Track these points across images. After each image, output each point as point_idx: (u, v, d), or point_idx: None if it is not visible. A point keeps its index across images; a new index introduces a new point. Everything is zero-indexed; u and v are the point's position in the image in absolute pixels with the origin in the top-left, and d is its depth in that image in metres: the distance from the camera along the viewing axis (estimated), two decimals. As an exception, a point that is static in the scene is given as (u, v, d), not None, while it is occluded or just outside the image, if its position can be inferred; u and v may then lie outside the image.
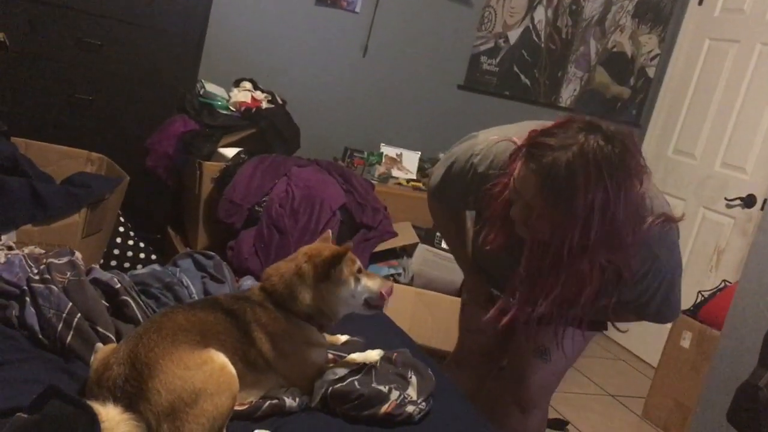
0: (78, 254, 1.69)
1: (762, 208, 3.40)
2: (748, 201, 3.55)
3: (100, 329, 1.50)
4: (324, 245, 1.56)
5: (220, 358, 1.31)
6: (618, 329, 1.73)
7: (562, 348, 1.69)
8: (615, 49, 4.19)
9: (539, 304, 1.46)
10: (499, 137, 1.64)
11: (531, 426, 1.92)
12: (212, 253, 1.97)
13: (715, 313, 3.11)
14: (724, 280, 3.36)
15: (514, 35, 3.96)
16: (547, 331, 1.68)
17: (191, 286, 1.75)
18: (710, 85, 3.92)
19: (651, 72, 4.29)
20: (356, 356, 1.62)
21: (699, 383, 2.99)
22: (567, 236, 1.36)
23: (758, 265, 2.71)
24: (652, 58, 4.27)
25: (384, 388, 1.51)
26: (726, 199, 3.65)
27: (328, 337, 1.64)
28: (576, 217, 1.34)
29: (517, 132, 1.57)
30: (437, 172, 1.82)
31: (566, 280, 1.43)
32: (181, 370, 1.25)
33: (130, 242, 2.82)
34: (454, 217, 1.90)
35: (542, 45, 4.03)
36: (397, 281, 2.86)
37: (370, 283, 1.53)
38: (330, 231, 1.68)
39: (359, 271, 1.52)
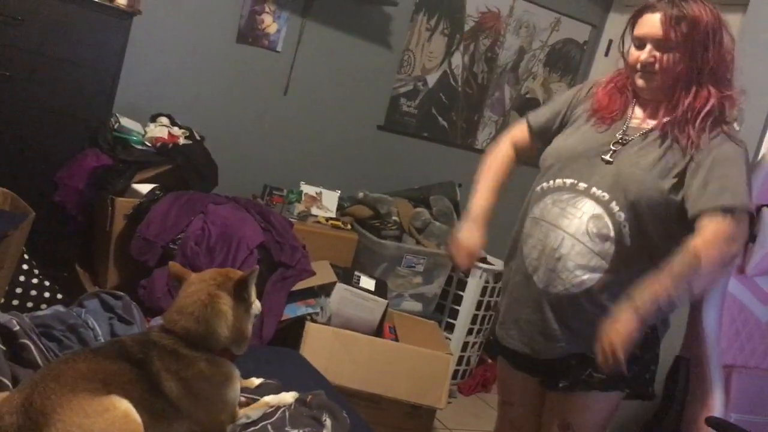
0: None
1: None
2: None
3: (-4, 375, 1.42)
4: (222, 271, 1.53)
5: (123, 405, 1.25)
6: None
7: (585, 418, 1.83)
8: (528, 95, 4.36)
9: (662, 118, 1.75)
10: None
11: None
12: (121, 293, 1.90)
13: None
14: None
15: (432, 79, 4.07)
16: (569, 405, 1.82)
17: (97, 328, 1.69)
18: (616, 132, 4.12)
19: (562, 118, 4.48)
20: (270, 399, 1.59)
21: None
22: (695, 58, 1.69)
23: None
24: (563, 105, 4.46)
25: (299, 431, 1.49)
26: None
27: (243, 381, 1.61)
28: (698, 38, 1.69)
29: None
30: None
31: (693, 93, 1.72)
32: (80, 418, 1.19)
33: (35, 280, 2.70)
34: (508, 162, 2.05)
35: (459, 89, 4.15)
36: (314, 320, 2.84)
37: (257, 303, 1.56)
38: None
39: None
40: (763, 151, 2.62)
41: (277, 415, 1.54)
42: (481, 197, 1.97)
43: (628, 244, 1.71)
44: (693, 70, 1.71)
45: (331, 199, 3.64)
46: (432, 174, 4.01)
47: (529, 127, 2.01)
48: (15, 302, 2.62)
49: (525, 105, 4.34)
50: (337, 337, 2.80)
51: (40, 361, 1.51)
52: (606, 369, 1.60)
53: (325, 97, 3.81)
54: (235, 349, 1.48)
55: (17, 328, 1.54)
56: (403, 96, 4.02)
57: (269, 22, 3.56)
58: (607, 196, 1.73)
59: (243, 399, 1.58)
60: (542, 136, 1.98)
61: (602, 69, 4.34)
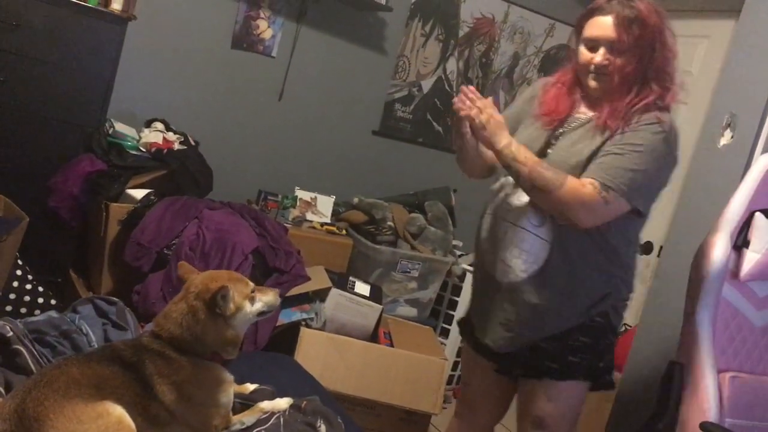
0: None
1: (658, 255, 3.58)
2: (646, 248, 3.73)
3: (-12, 381, 1.42)
4: (215, 274, 1.52)
5: (117, 410, 1.24)
6: None
7: (551, 409, 1.90)
8: (523, 101, 4.37)
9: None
10: None
11: None
12: (115, 299, 1.89)
13: (616, 356, 3.23)
14: (624, 324, 3.50)
15: (427, 84, 4.08)
16: (533, 398, 1.91)
17: (91, 334, 1.68)
18: (611, 138, 4.13)
19: (556, 123, 4.49)
20: (264, 405, 1.59)
21: (602, 424, 3.08)
22: (643, 59, 1.75)
23: (655, 310, 2.85)
24: (558, 111, 4.48)
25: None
26: (626, 245, 3.82)
27: (237, 387, 1.60)
28: (647, 39, 1.74)
29: None
30: None
31: (637, 90, 1.79)
32: (73, 424, 1.18)
33: (28, 286, 2.69)
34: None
35: (454, 95, 4.15)
36: (309, 326, 2.84)
37: (266, 299, 1.53)
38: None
39: (253, 291, 1.50)
40: (756, 156, 2.63)
41: (271, 421, 1.53)
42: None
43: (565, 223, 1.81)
44: (640, 70, 1.78)
45: (325, 205, 3.63)
46: (427, 179, 4.02)
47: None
48: (8, 308, 2.61)
49: (519, 110, 4.35)
50: (332, 343, 2.79)
51: (33, 367, 1.50)
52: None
53: (320, 103, 3.82)
54: (224, 354, 1.47)
55: (10, 334, 1.53)
56: (398, 101, 4.02)
57: (264, 28, 3.57)
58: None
59: (237, 404, 1.58)
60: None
61: (596, 75, 4.36)
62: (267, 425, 1.52)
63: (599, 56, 1.79)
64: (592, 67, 1.80)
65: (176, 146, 3.11)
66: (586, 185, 1.73)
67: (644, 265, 3.74)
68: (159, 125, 3.19)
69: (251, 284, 1.51)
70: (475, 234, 2.01)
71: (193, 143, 3.22)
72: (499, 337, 1.90)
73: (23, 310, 2.65)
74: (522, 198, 1.84)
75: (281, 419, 1.54)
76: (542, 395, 1.90)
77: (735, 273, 2.12)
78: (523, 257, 1.82)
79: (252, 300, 1.50)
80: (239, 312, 1.46)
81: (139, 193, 2.85)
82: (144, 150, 3.05)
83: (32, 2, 2.83)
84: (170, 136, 3.15)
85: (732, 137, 2.71)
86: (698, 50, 3.72)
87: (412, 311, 3.60)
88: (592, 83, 1.83)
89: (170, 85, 3.45)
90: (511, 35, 4.22)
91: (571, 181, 1.73)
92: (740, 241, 2.07)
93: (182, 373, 1.39)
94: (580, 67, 1.85)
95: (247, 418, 1.53)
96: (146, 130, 3.15)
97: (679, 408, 2.11)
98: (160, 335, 1.42)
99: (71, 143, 3.01)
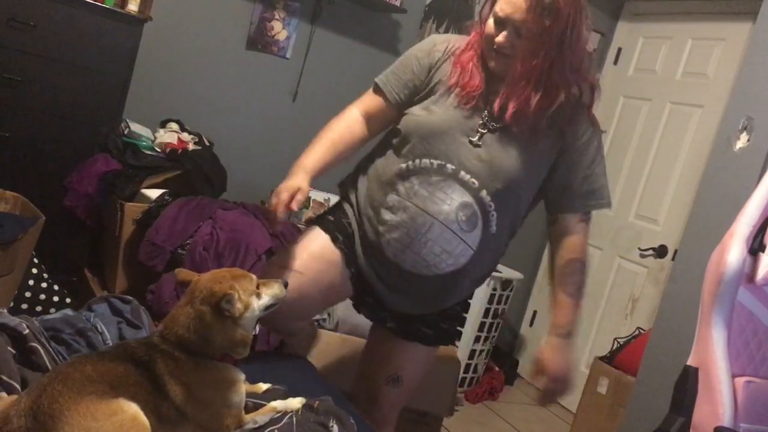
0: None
1: (673, 258, 3.56)
2: (660, 251, 3.72)
3: (5, 378, 1.42)
4: (218, 275, 1.47)
5: (132, 408, 1.24)
6: None
7: (412, 371, 1.93)
8: (537, 103, 4.35)
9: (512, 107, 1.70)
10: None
11: None
12: (130, 298, 1.90)
13: (630, 359, 3.22)
14: (638, 328, 3.48)
15: (441, 86, 4.07)
16: (398, 358, 1.92)
17: (106, 332, 1.69)
18: (624, 140, 4.12)
19: (570, 126, 4.47)
20: (277, 404, 1.59)
21: (616, 429, 3.07)
22: (551, 47, 1.65)
23: (670, 314, 2.83)
24: (572, 113, 4.46)
25: (305, 435, 1.49)
26: (639, 249, 3.81)
27: (249, 387, 1.60)
28: (557, 31, 1.64)
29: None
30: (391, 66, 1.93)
31: (544, 89, 1.70)
32: (87, 421, 1.18)
33: (44, 285, 2.71)
34: (355, 130, 1.94)
35: (468, 96, 4.15)
36: (321, 327, 2.84)
37: (271, 292, 1.50)
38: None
39: (257, 286, 1.47)
40: (772, 160, 2.61)
41: (284, 421, 1.53)
42: (315, 155, 1.83)
43: (493, 232, 1.80)
44: (546, 64, 1.67)
45: (339, 206, 3.63)
46: (440, 181, 4.01)
47: (387, 101, 1.87)
48: (24, 306, 2.64)
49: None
50: (344, 344, 2.79)
51: (49, 365, 1.51)
52: (550, 399, 1.83)
53: (334, 104, 3.78)
54: (234, 354, 1.47)
55: (26, 331, 1.54)
56: (412, 103, 4.02)
57: (279, 29, 3.58)
58: (476, 183, 1.75)
59: (250, 404, 1.58)
60: (400, 105, 1.87)
61: (611, 77, 4.34)
62: (280, 425, 1.52)
63: (502, 36, 1.68)
64: (495, 45, 1.70)
65: (191, 147, 3.13)
66: (578, 231, 1.86)
67: (659, 269, 3.72)
68: (174, 126, 3.21)
69: (254, 278, 1.49)
70: (363, 198, 1.89)
71: (207, 144, 3.24)
72: (398, 300, 1.88)
73: (39, 308, 2.67)
74: (454, 198, 1.75)
75: (294, 419, 1.54)
76: (408, 356, 1.93)
77: (750, 277, 2.10)
78: (443, 257, 1.78)
79: (258, 295, 1.48)
80: (247, 311, 1.45)
81: (153, 193, 2.87)
82: (159, 150, 3.06)
83: (49, 3, 2.85)
84: (185, 136, 3.16)
85: (748, 140, 2.69)
86: (714, 53, 3.70)
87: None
88: (492, 62, 1.74)
89: (185, 86, 3.47)
90: (525, 37, 4.21)
91: (580, 255, 1.88)
92: (756, 245, 2.05)
93: (192, 374, 1.39)
94: (484, 39, 1.75)
95: (260, 417, 1.53)
96: (161, 131, 3.17)
97: (692, 412, 2.09)
98: (169, 337, 1.42)
99: (87, 143, 3.03)
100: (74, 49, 2.93)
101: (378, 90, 1.89)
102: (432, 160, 1.75)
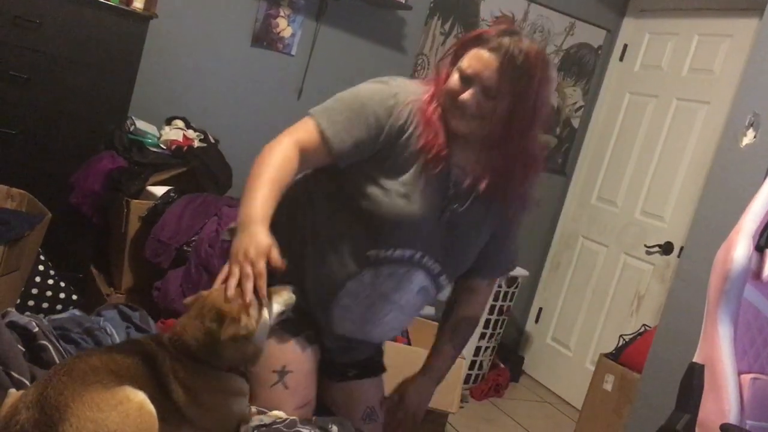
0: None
1: (679, 255, 3.55)
2: (666, 248, 3.71)
3: (15, 374, 1.43)
4: (222, 296, 1.40)
5: (138, 396, 1.23)
6: None
7: (380, 400, 1.88)
8: (542, 100, 4.34)
9: (482, 178, 1.62)
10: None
11: None
12: (137, 307, 1.92)
13: (635, 356, 3.22)
14: (644, 325, 3.48)
15: (446, 83, 4.06)
16: (369, 391, 1.85)
17: (115, 335, 1.70)
18: (630, 137, 4.11)
19: (575, 122, 4.47)
20: (281, 413, 1.59)
21: (622, 426, 3.07)
22: (516, 116, 1.55)
23: (675, 311, 2.83)
24: (577, 110, 4.45)
25: (309, 431, 1.50)
26: (645, 246, 3.80)
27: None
28: (526, 97, 1.54)
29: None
30: (332, 103, 1.66)
31: (513, 156, 1.61)
32: (93, 412, 1.18)
33: (50, 281, 2.72)
34: (291, 171, 1.62)
35: (473, 93, 4.15)
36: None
37: (281, 299, 1.47)
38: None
39: (268, 296, 1.43)
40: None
41: (287, 421, 1.55)
42: (265, 201, 1.53)
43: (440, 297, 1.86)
44: (510, 128, 1.57)
45: (344, 203, 3.64)
46: (445, 178, 4.01)
47: (329, 151, 1.60)
48: (30, 302, 2.65)
49: (539, 109, 4.33)
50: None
51: (58, 362, 1.52)
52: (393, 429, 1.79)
53: (339, 101, 3.82)
54: (242, 367, 1.45)
55: (36, 329, 1.55)
56: (417, 100, 4.02)
57: (284, 26, 3.58)
58: (438, 268, 1.69)
59: (254, 409, 1.57)
60: (344, 160, 1.61)
61: (617, 74, 4.33)
62: (284, 423, 1.53)
63: (469, 95, 1.55)
64: (459, 102, 1.56)
65: (196, 144, 3.13)
66: (483, 292, 1.86)
67: (665, 266, 3.72)
68: (179, 123, 3.22)
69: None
70: (313, 275, 1.67)
71: (212, 141, 3.24)
72: (344, 355, 1.81)
73: (45, 305, 2.68)
74: (416, 284, 1.68)
75: (296, 420, 1.55)
76: (375, 388, 1.90)
77: (757, 274, 2.10)
78: (392, 333, 1.82)
79: (269, 306, 1.43)
80: (258, 324, 1.40)
81: (159, 190, 2.87)
82: (164, 147, 3.07)
83: (55, 1, 2.86)
84: (190, 133, 3.17)
85: (755, 137, 2.68)
86: (721, 49, 3.68)
87: (430, 310, 3.60)
88: (454, 121, 1.59)
89: (190, 83, 3.47)
90: (530, 34, 4.19)
91: (477, 312, 1.88)
92: (763, 242, 2.05)
93: (197, 379, 1.37)
94: (446, 94, 1.59)
95: (266, 418, 1.54)
96: (167, 128, 3.18)
97: (698, 409, 2.09)
98: (177, 347, 1.40)
99: (93, 140, 3.04)
100: (80, 47, 2.94)
101: (320, 133, 1.60)
102: (405, 251, 1.63)
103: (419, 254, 1.64)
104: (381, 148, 1.60)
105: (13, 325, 1.56)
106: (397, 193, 1.60)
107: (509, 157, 1.61)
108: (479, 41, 1.56)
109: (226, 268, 1.41)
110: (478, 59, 1.54)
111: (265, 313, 1.42)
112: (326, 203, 1.68)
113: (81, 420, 1.17)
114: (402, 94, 1.62)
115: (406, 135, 1.60)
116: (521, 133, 1.59)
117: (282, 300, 1.47)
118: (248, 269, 1.38)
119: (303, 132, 1.63)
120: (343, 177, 1.64)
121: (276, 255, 1.42)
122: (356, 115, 1.60)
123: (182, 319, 1.42)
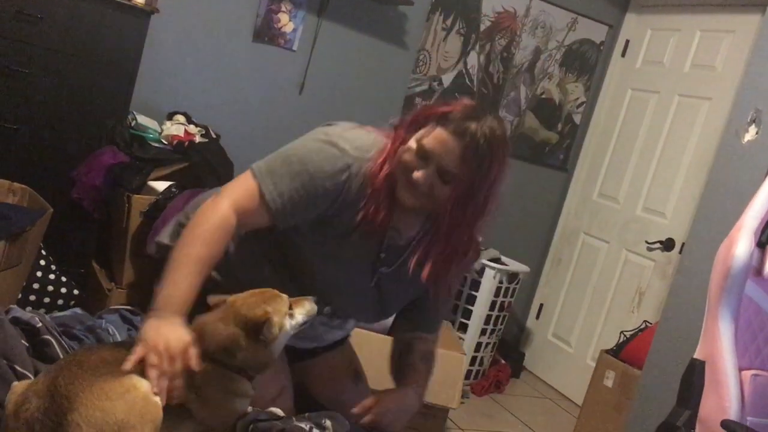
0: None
1: (680, 252, 3.55)
2: (668, 244, 3.71)
3: (18, 368, 1.44)
4: (250, 301, 1.44)
5: (144, 385, 1.27)
6: None
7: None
8: (544, 96, 4.34)
9: (429, 261, 1.59)
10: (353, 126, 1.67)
11: None
12: (139, 311, 1.93)
13: (636, 353, 3.22)
14: (645, 321, 3.48)
15: (447, 79, 4.06)
16: (345, 354, 1.91)
17: (117, 335, 1.71)
18: (632, 133, 4.10)
19: (577, 118, 4.46)
20: (276, 409, 1.61)
21: (622, 422, 3.07)
22: (467, 203, 1.52)
23: (677, 307, 2.83)
24: (579, 106, 4.45)
25: (305, 425, 1.51)
26: (647, 242, 3.80)
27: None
28: (483, 187, 1.51)
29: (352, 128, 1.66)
30: (279, 165, 1.58)
31: (454, 245, 1.59)
32: (101, 401, 1.21)
33: (52, 276, 2.72)
34: (225, 241, 1.52)
35: (475, 89, 4.15)
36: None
37: (303, 310, 1.49)
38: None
39: (290, 306, 1.46)
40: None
41: (282, 419, 1.56)
42: (189, 287, 1.43)
43: None
44: (459, 215, 1.54)
45: (345, 198, 3.64)
46: (446, 174, 4.01)
47: (270, 214, 1.53)
48: (32, 297, 2.65)
49: (540, 105, 4.33)
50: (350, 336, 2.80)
51: (61, 357, 1.53)
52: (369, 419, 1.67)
53: (341, 96, 3.82)
54: (252, 372, 1.47)
55: (40, 324, 1.56)
56: (419, 95, 4.02)
57: (285, 21, 3.58)
58: (369, 323, 1.86)
59: (250, 409, 1.58)
60: (284, 225, 1.57)
61: (619, 69, 4.32)
62: (279, 418, 1.55)
63: (422, 175, 1.49)
64: (412, 178, 1.50)
65: (197, 139, 3.13)
66: (432, 343, 1.83)
67: (666, 262, 3.72)
68: (181, 118, 3.22)
69: (286, 299, 1.47)
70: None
71: (214, 136, 3.24)
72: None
73: (46, 300, 2.68)
74: (348, 327, 1.86)
75: (293, 417, 1.57)
76: (349, 351, 1.96)
77: (758, 270, 2.10)
78: (347, 332, 1.93)
79: (291, 316, 1.46)
80: (281, 332, 1.44)
81: (160, 185, 2.87)
82: (166, 142, 3.07)
83: (57, -5, 2.86)
84: (192, 128, 3.17)
85: (757, 133, 2.68)
86: (723, 45, 3.68)
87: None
88: (403, 193, 1.53)
89: (192, 78, 3.47)
90: (532, 29, 4.19)
91: (432, 363, 1.83)
92: (764, 238, 2.05)
93: (204, 375, 1.40)
94: (400, 166, 1.53)
95: (262, 414, 1.55)
96: (168, 123, 3.18)
97: (699, 405, 2.09)
98: (194, 341, 1.42)
99: (94, 135, 3.03)
100: (81, 42, 2.94)
101: (263, 201, 1.53)
102: (336, 310, 1.72)
103: (350, 313, 1.76)
104: (324, 217, 1.56)
105: (16, 321, 1.56)
106: (328, 255, 1.61)
107: (450, 245, 1.58)
108: (444, 120, 1.50)
109: (140, 350, 1.31)
110: (440, 141, 1.48)
111: (288, 322, 1.45)
112: (256, 253, 1.65)
113: (90, 409, 1.20)
114: (355, 165, 1.54)
115: (353, 207, 1.56)
116: (468, 224, 1.56)
117: (305, 311, 1.49)
118: (167, 367, 1.30)
119: (245, 198, 1.53)
120: (278, 234, 1.59)
121: (194, 355, 1.34)
122: (303, 187, 1.53)
123: (205, 318, 1.44)
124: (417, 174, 1.50)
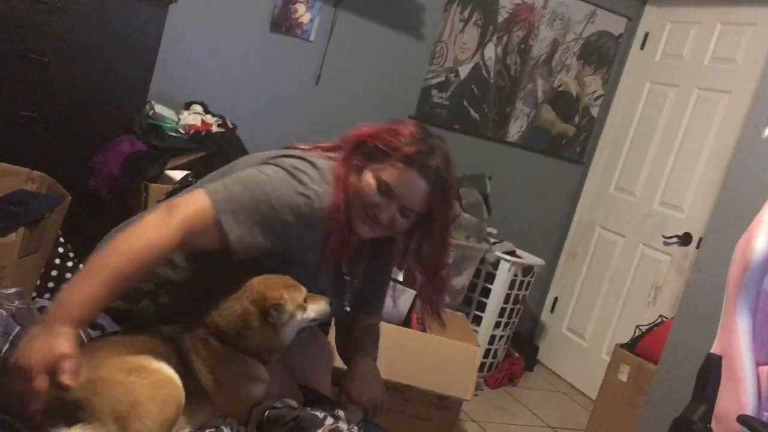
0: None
1: (697, 247, 3.52)
2: (685, 239, 3.68)
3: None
4: (271, 281, 1.48)
5: (169, 371, 1.30)
6: None
7: None
8: (561, 88, 4.32)
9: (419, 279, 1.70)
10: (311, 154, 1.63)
11: None
12: None
13: (652, 347, 3.20)
14: (660, 316, 3.46)
15: (464, 70, 4.05)
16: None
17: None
18: (650, 126, 4.07)
19: (594, 111, 4.43)
20: (291, 401, 1.62)
21: (636, 416, 3.06)
22: (419, 240, 1.62)
23: (693, 302, 2.81)
24: (596, 99, 4.42)
25: (319, 414, 1.52)
26: (663, 236, 3.78)
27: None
28: (438, 226, 1.59)
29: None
30: (239, 191, 1.46)
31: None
32: (124, 376, 1.24)
33: (70, 263, 2.74)
34: (157, 261, 1.38)
35: (491, 81, 4.13)
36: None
37: (317, 308, 1.52)
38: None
39: (305, 299, 1.49)
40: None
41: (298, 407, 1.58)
42: (97, 299, 1.27)
43: None
44: (412, 248, 1.67)
45: (360, 190, 3.64)
46: (462, 166, 3.96)
47: (225, 243, 1.43)
48: (50, 284, 2.67)
49: (557, 98, 4.30)
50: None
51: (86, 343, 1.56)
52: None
53: (357, 87, 3.82)
54: (266, 356, 1.49)
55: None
56: (435, 87, 4.00)
57: (302, 12, 3.58)
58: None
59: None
60: (243, 255, 1.47)
61: (638, 62, 4.28)
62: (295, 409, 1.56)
63: (387, 211, 1.53)
64: (372, 216, 1.53)
65: (214, 129, 3.14)
66: (376, 324, 1.89)
67: (683, 257, 3.69)
68: (198, 108, 3.23)
69: (304, 290, 1.49)
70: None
71: (230, 126, 3.25)
72: None
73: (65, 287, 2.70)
74: None
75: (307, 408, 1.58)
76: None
77: (777, 265, 2.08)
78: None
79: (303, 309, 1.48)
80: (291, 321, 1.46)
81: (177, 175, 2.89)
82: (183, 132, 3.08)
83: (76, -15, 2.87)
84: (208, 118, 3.18)
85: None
86: (744, 38, 3.63)
87: (445, 298, 3.60)
88: (363, 227, 1.55)
89: (209, 68, 3.48)
90: (550, 21, 4.16)
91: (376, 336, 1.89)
92: (784, 233, 2.02)
93: (220, 360, 1.42)
94: (360, 201, 1.53)
95: (279, 402, 1.57)
96: (185, 113, 3.19)
97: (715, 400, 2.08)
98: (207, 323, 1.44)
99: (112, 124, 3.05)
100: (101, 31, 2.95)
101: (220, 229, 1.42)
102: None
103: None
104: (283, 251, 1.51)
105: (43, 310, 1.59)
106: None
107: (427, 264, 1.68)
108: (407, 160, 1.52)
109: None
110: (406, 183, 1.52)
111: (300, 313, 1.47)
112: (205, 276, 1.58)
113: (113, 384, 1.21)
114: (317, 200, 1.48)
115: (314, 240, 1.54)
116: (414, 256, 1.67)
117: (317, 309, 1.52)
118: (25, 385, 1.11)
119: (197, 218, 1.40)
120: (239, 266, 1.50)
121: (70, 370, 1.13)
122: (263, 218, 1.44)
123: (218, 303, 1.46)
124: (382, 213, 1.54)
